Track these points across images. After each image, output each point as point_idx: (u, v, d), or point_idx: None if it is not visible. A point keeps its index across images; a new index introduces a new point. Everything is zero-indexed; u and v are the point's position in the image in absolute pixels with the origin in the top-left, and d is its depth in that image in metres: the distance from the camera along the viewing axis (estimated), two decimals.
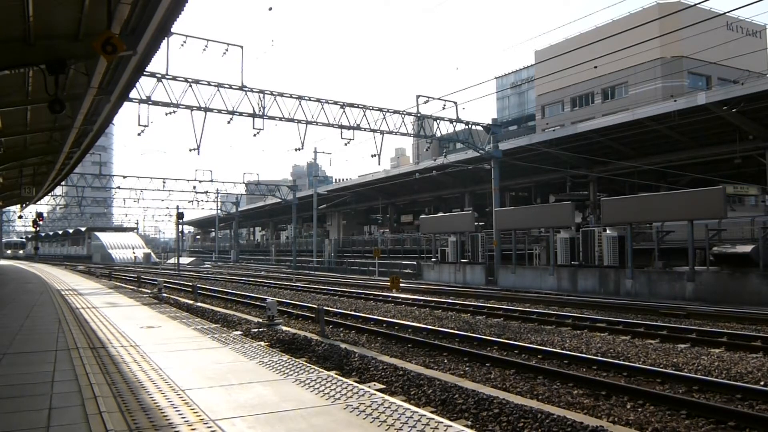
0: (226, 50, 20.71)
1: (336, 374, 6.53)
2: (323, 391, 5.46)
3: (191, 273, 42.89)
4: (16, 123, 14.52)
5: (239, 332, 10.65)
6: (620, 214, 20.57)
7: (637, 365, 8.79)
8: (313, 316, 14.71)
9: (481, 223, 34.71)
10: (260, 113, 22.32)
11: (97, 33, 7.82)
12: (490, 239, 27.95)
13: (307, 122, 23.60)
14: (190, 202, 58.02)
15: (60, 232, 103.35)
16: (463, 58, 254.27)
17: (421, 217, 35.96)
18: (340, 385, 5.65)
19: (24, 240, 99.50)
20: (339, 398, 5.20)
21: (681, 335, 11.70)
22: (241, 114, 22.07)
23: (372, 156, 31.26)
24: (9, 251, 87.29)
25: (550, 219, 24.31)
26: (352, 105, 24.70)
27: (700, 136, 25.33)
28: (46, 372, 6.33)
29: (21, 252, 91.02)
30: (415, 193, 44.87)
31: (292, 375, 6.16)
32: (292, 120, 23.24)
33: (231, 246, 76.01)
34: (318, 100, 23.90)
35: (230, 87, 21.67)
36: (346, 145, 28.83)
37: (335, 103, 24.36)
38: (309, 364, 6.77)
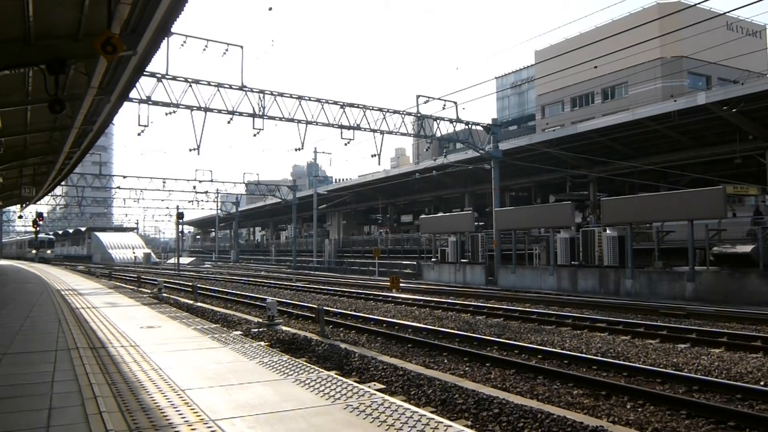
0: (226, 50, 20.71)
1: (336, 374, 6.52)
2: (323, 391, 5.46)
3: (191, 273, 42.89)
4: (16, 123, 14.51)
5: (239, 332, 10.65)
6: (620, 214, 20.57)
7: (637, 365, 8.78)
8: (313, 316, 14.71)
9: (481, 223, 34.72)
10: (260, 113, 22.32)
11: (97, 33, 7.81)
12: (490, 239, 27.94)
13: (307, 122, 23.60)
14: (190, 202, 58.07)
15: (60, 232, 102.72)
16: (463, 58, 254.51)
17: (421, 217, 35.95)
18: (340, 385, 5.65)
19: (53, 237, 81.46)
20: (339, 398, 5.19)
21: (681, 335, 11.70)
22: (241, 114, 22.06)
23: (372, 156, 31.37)
24: (34, 251, 70.69)
25: (550, 219, 24.30)
26: (352, 105, 24.70)
27: (700, 136, 25.32)
28: (46, 372, 6.33)
29: (49, 252, 73.31)
30: (415, 193, 44.86)
31: (292, 375, 6.15)
32: (292, 120, 23.24)
33: (231, 246, 76.01)
34: (318, 100, 23.90)
35: (230, 87, 21.67)
36: (346, 145, 28.92)
37: (335, 103, 24.35)
38: (309, 364, 6.77)
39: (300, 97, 23.42)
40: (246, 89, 21.99)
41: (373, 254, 37.49)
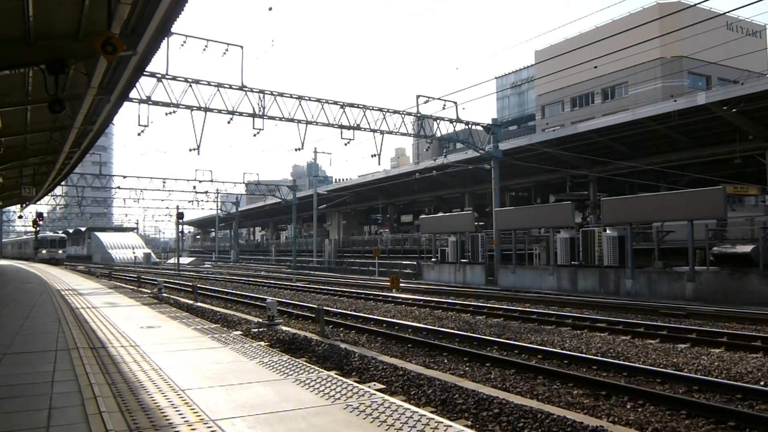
0: (226, 50, 20.70)
1: (336, 374, 6.52)
2: (323, 391, 5.46)
3: (191, 273, 42.88)
4: (16, 123, 14.51)
5: (239, 332, 10.65)
6: (620, 214, 20.57)
7: (637, 365, 8.79)
8: (313, 316, 14.71)
9: (481, 223, 34.72)
10: (260, 113, 22.31)
11: (97, 33, 7.82)
12: (490, 239, 27.94)
13: (307, 122, 23.59)
14: (190, 202, 58.03)
15: (60, 232, 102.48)
16: (463, 58, 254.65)
17: (421, 217, 35.95)
18: (340, 385, 5.65)
19: (64, 236, 73.36)
20: (339, 398, 5.19)
21: (681, 335, 11.70)
22: (241, 114, 22.06)
23: (372, 156, 31.37)
24: (44, 251, 63.02)
25: (550, 219, 24.30)
26: (352, 105, 24.69)
27: (700, 136, 25.32)
28: (46, 372, 6.33)
29: (60, 252, 66.13)
30: (415, 193, 44.86)
31: (292, 375, 6.15)
32: (292, 120, 23.24)
33: (231, 246, 76.00)
34: (318, 100, 23.89)
35: (230, 87, 21.66)
36: (346, 145, 28.92)
37: (335, 103, 24.35)
38: (309, 364, 6.76)
39: (300, 97, 23.42)
40: (246, 89, 21.98)
41: (373, 254, 37.49)
